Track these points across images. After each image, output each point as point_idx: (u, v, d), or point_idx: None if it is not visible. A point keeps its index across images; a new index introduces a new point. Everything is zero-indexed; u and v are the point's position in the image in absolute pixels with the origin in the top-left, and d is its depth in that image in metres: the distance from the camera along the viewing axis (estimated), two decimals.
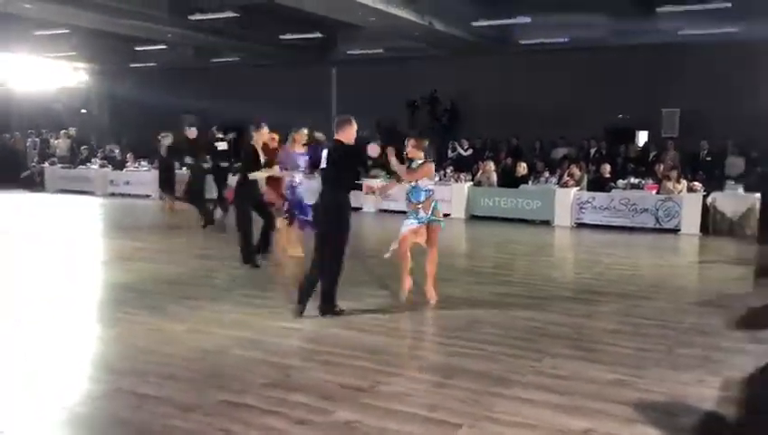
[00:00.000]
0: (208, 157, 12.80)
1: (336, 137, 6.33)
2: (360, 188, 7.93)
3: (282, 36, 19.18)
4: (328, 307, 6.36)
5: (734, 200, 12.84)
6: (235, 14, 16.77)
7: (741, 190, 13.13)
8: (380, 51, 19.81)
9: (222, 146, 12.98)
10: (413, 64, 19.95)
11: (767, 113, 15.07)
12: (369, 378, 4.81)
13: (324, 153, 6.36)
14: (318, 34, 19.37)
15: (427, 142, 7.05)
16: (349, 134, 6.30)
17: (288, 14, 15.82)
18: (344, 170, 6.25)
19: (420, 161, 6.87)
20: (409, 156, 6.92)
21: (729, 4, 13.92)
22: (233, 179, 10.84)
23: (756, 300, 7.46)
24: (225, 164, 12.85)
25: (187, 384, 4.66)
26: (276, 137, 9.64)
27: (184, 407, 4.27)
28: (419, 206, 6.83)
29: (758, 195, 12.80)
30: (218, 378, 4.78)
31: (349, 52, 20.35)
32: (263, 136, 8.90)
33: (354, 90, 20.81)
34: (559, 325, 6.24)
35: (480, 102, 19.37)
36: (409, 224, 6.82)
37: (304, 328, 6.06)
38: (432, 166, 6.98)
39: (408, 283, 6.97)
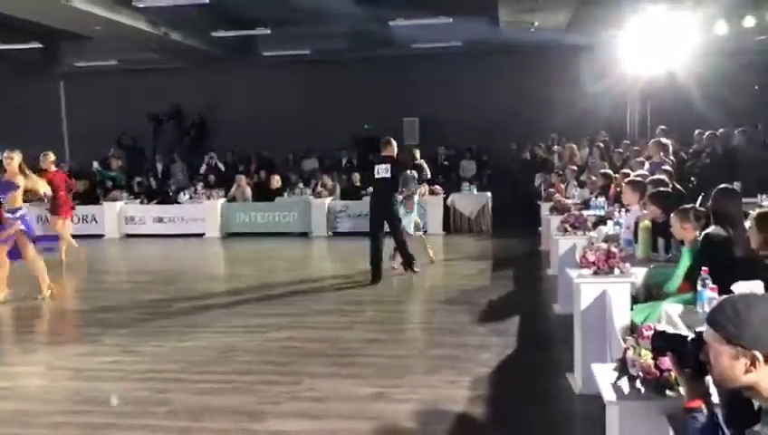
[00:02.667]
0: None
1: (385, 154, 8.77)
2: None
3: None
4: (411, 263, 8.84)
5: (470, 200, 13.99)
6: None
7: (475, 191, 14.31)
8: (114, 62, 18.30)
9: None
10: (154, 76, 18.76)
11: (492, 121, 16.79)
12: None
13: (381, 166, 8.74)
14: (37, 45, 17.32)
15: None
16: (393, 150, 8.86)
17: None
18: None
19: None
20: None
21: (450, 20, 15.14)
22: None
23: (494, 293, 8.03)
24: None
25: None
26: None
27: None
28: None
29: (489, 194, 14.10)
30: None
31: (76, 64, 18.50)
32: None
33: (88, 104, 19.02)
34: (317, 342, 6.08)
35: (228, 115, 18.82)
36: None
37: (26, 384, 5.15)
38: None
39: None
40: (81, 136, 18.56)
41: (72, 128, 19.79)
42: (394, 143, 9.04)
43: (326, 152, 18.00)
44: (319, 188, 14.58)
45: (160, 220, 14.52)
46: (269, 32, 15.96)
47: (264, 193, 15.03)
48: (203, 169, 16.39)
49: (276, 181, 15.18)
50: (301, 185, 15.35)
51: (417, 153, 11.74)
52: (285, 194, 14.92)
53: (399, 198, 9.25)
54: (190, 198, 15.03)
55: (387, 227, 8.94)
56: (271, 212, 14.22)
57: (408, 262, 9.08)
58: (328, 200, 14.16)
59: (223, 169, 16.39)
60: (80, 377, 5.32)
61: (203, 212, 14.33)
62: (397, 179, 8.90)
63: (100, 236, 14.04)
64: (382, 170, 8.84)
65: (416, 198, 9.87)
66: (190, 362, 5.60)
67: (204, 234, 14.09)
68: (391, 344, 5.97)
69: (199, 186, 15.35)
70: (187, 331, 6.57)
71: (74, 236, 13.95)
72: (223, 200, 14.53)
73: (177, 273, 10.31)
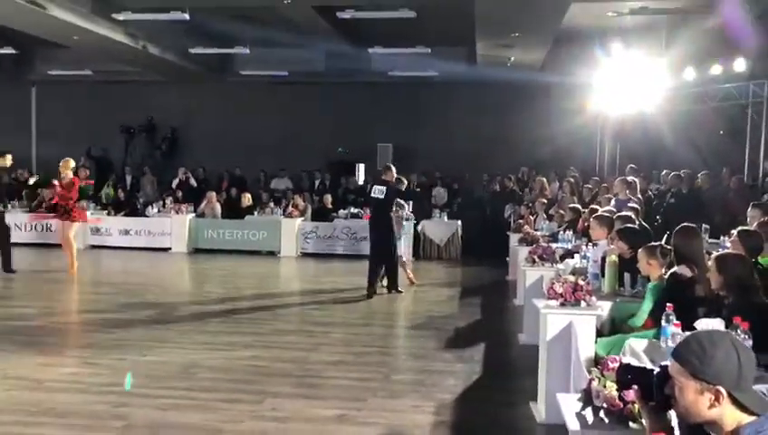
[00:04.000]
0: None
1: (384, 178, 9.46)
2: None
3: None
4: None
5: (441, 227, 14.07)
6: None
7: (446, 218, 14.40)
8: (89, 72, 18.09)
9: None
10: (128, 88, 18.59)
11: (464, 151, 16.98)
12: None
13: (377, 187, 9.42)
14: (11, 50, 17.07)
15: None
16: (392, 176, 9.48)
17: None
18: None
19: None
20: None
21: (429, 51, 15.36)
22: None
23: (461, 320, 8.06)
24: None
25: None
26: None
27: None
28: None
29: (459, 222, 14.20)
30: None
31: (50, 72, 18.26)
32: None
33: (60, 113, 18.75)
34: (283, 362, 6.02)
35: (202, 131, 18.70)
36: None
37: None
38: None
39: None
40: (51, 145, 18.23)
41: (41, 136, 19.46)
42: (393, 169, 9.65)
43: (299, 173, 17.97)
44: (290, 208, 14.53)
45: (127, 233, 14.32)
46: (247, 51, 15.97)
47: (234, 210, 14.93)
48: (175, 183, 16.23)
49: (247, 199, 15.10)
50: (271, 204, 15.28)
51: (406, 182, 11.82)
52: (255, 212, 14.83)
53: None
54: (158, 211, 14.85)
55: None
56: (240, 230, 14.13)
57: (394, 285, 9.54)
58: (298, 221, 14.11)
59: (195, 184, 16.25)
60: (38, 388, 5.17)
61: (171, 226, 14.16)
62: (391, 202, 9.48)
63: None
64: (377, 192, 9.46)
65: (403, 223, 10.48)
66: (151, 377, 5.49)
67: (170, 248, 13.91)
68: (356, 367, 5.94)
69: (168, 200, 15.17)
70: (150, 345, 6.45)
71: (37, 246, 13.81)
72: (192, 215, 14.38)
73: (141, 286, 10.15)
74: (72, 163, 11.09)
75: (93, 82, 18.75)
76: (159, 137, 19.28)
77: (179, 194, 15.66)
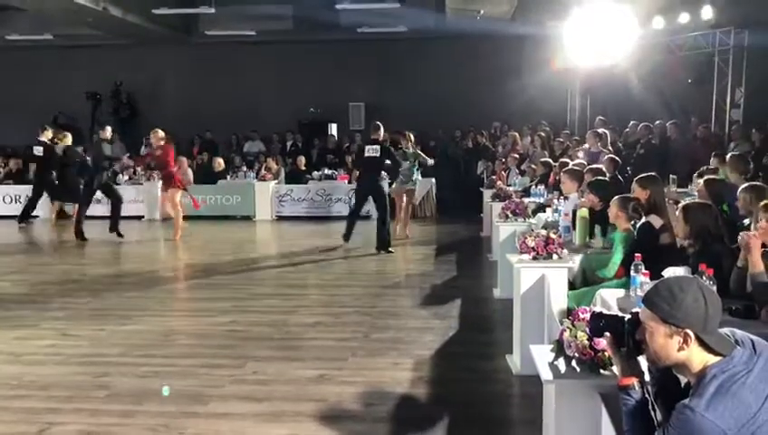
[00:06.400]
0: None
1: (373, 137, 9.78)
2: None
3: None
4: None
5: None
6: None
7: (420, 176, 14.36)
8: (49, 37, 17.55)
9: None
10: (92, 53, 18.10)
11: (436, 107, 16.89)
12: (38, 421, 4.07)
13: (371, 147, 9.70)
14: None
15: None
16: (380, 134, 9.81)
17: None
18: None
19: None
20: None
21: (398, 5, 15.15)
22: None
23: (437, 278, 8.17)
24: None
25: None
26: None
27: None
28: None
29: (433, 180, 14.23)
30: None
31: (8, 37, 17.67)
32: None
33: (21, 80, 18.23)
34: (262, 326, 6.07)
35: (170, 95, 18.38)
36: None
37: None
38: None
39: None
40: (13, 113, 17.78)
41: (1, 104, 18.95)
42: (381, 127, 9.97)
43: (270, 135, 17.80)
44: (263, 172, 14.45)
45: (98, 202, 14.10)
46: (213, 11, 15.61)
47: (206, 176, 14.79)
48: (143, 150, 15.98)
49: (219, 164, 14.96)
50: (244, 168, 15.17)
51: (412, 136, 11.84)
52: (228, 177, 14.73)
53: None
54: (129, 179, 14.67)
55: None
56: (213, 195, 14.03)
57: (384, 243, 9.75)
58: (272, 184, 14.05)
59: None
60: (18, 361, 5.17)
61: (142, 194, 14.01)
62: (383, 159, 9.75)
63: (35, 216, 13.55)
64: (372, 151, 9.74)
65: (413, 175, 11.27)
66: (130, 345, 5.52)
67: (143, 217, 13.78)
68: (335, 328, 6.02)
69: (139, 168, 14.96)
70: (127, 314, 6.45)
71: (4, 217, 13.58)
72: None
73: (114, 256, 10.08)
74: (162, 133, 11.31)
75: (55, 48, 18.22)
76: (126, 102, 18.90)
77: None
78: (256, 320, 6.25)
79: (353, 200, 10.47)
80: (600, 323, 2.33)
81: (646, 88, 12.94)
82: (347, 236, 10.03)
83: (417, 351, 5.32)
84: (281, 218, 13.82)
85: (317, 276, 8.36)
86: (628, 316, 2.25)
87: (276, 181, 14.28)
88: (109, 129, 11.75)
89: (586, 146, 10.15)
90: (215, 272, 8.63)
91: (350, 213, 10.47)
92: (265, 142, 17.61)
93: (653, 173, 5.30)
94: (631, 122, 12.18)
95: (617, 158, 8.38)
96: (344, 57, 17.79)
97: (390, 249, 9.74)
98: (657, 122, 11.46)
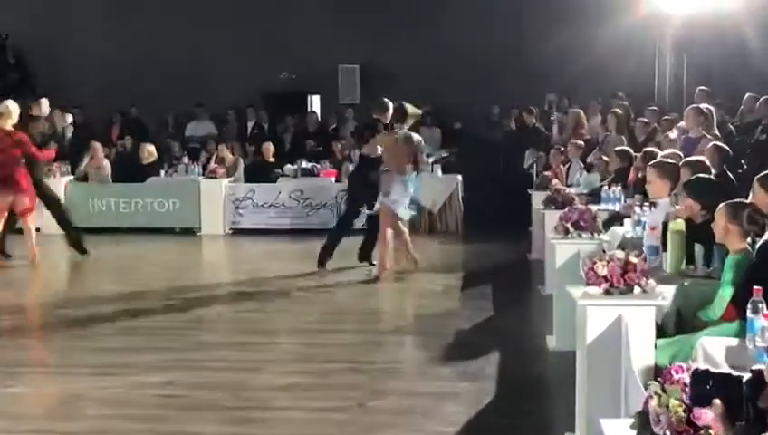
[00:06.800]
0: None
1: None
2: None
3: None
4: None
5: (432, 186, 13.87)
6: None
7: (439, 173, 14.39)
8: None
9: None
10: None
11: (464, 72, 16.91)
12: None
13: None
14: None
15: None
16: None
17: None
18: None
19: None
20: None
21: None
22: None
23: (465, 320, 8.15)
24: None
25: None
26: None
27: None
28: None
29: (460, 177, 14.19)
30: None
31: None
32: None
33: None
34: (210, 389, 6.06)
35: (79, 53, 18.43)
36: None
37: None
38: None
39: None
40: None
41: None
42: (390, 106, 10.23)
43: (224, 112, 17.83)
44: (213, 165, 14.48)
45: None
46: None
47: (130, 170, 14.82)
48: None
49: (149, 153, 14.98)
50: (186, 159, 15.20)
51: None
52: (162, 172, 14.77)
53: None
54: None
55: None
56: (141, 198, 14.09)
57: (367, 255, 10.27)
58: (225, 182, 14.07)
59: (70, 133, 16.05)
60: None
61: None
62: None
63: None
64: None
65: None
66: (17, 416, 5.52)
67: (38, 229, 13.78)
68: (316, 393, 5.99)
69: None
70: (15, 372, 6.42)
71: None
72: (68, 179, 14.28)
73: None
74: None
75: None
76: (15, 63, 18.97)
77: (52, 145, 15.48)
78: (202, 380, 6.24)
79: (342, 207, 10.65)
80: (705, 387, 2.32)
81: None
82: (327, 256, 10.31)
83: (435, 427, 5.31)
84: (238, 232, 13.83)
85: (291, 318, 8.36)
86: (746, 376, 2.24)
87: (232, 179, 14.31)
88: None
89: (681, 124, 10.13)
90: (143, 310, 8.62)
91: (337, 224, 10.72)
92: (216, 122, 17.65)
93: None
94: (747, 95, 12.18)
95: (725, 146, 8.38)
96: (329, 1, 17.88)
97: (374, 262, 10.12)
98: None
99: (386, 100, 10.33)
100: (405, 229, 10.37)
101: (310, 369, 6.57)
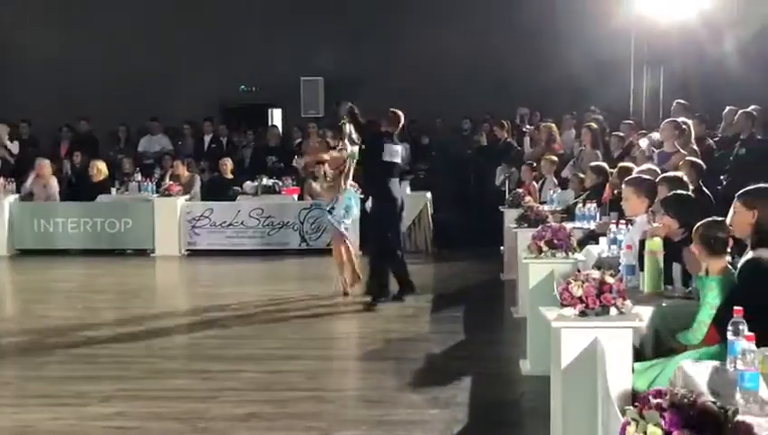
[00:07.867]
0: None
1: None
2: None
3: None
4: None
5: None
6: None
7: (407, 189, 14.40)
8: None
9: None
10: None
11: (434, 84, 16.98)
12: None
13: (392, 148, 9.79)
14: None
15: None
16: None
17: None
18: None
19: None
20: None
21: None
22: None
23: (436, 345, 8.17)
24: None
25: None
26: None
27: None
28: None
29: (429, 195, 14.26)
30: None
31: None
32: None
33: None
34: (165, 420, 6.03)
35: (24, 60, 18.29)
36: None
37: None
38: None
39: None
40: None
41: None
42: (401, 114, 10.21)
43: (179, 126, 17.77)
44: (167, 182, 14.42)
45: None
46: None
47: (79, 188, 14.72)
48: None
49: (99, 170, 14.90)
50: (138, 176, 15.14)
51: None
52: (114, 190, 14.71)
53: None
54: None
55: None
56: (90, 218, 14.02)
57: (408, 285, 10.08)
58: (181, 200, 14.03)
59: (15, 150, 15.93)
60: None
61: None
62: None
63: None
64: (393, 153, 9.76)
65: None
66: None
67: None
68: (278, 422, 5.99)
69: None
70: None
71: None
72: (13, 198, 14.17)
73: None
74: None
75: None
76: None
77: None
78: (156, 411, 6.21)
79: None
80: (687, 414, 2.35)
81: (750, 58, 13.09)
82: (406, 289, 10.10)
83: None
84: (194, 254, 13.77)
85: (251, 343, 8.32)
86: (731, 408, 2.26)
87: (188, 197, 14.27)
88: None
89: (654, 135, 10.24)
90: (93, 337, 8.56)
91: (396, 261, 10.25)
92: (171, 137, 17.60)
93: (763, 185, 5.34)
94: (727, 108, 12.35)
95: (700, 162, 8.45)
96: (293, 8, 17.90)
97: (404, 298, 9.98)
98: (759, 108, 11.60)
99: (395, 110, 10.27)
100: (351, 246, 10.57)
101: (271, 397, 6.55)
